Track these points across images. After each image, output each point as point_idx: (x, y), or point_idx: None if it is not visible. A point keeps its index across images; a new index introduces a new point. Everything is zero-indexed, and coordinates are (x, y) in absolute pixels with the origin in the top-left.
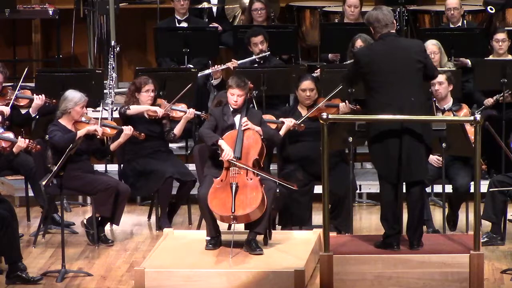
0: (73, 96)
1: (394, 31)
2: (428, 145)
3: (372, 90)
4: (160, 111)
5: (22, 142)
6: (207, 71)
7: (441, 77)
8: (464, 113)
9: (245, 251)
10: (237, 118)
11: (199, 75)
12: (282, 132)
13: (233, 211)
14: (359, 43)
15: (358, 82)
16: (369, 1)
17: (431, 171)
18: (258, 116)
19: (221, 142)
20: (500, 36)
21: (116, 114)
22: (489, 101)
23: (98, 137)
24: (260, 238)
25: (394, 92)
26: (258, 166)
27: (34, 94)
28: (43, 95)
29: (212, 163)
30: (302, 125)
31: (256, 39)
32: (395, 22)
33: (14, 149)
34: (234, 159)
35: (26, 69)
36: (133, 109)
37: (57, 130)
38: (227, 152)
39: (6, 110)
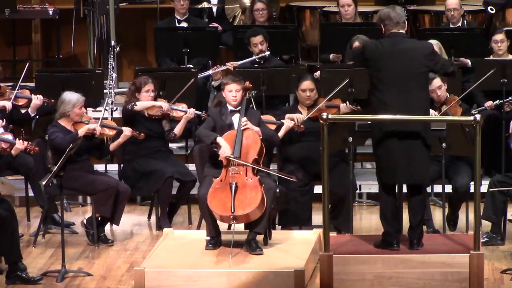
0: (70, 98)
1: (404, 31)
2: (427, 145)
3: (375, 87)
4: (165, 106)
5: (20, 144)
6: (207, 73)
7: (439, 81)
8: (451, 98)
9: (245, 251)
10: (235, 118)
11: (199, 76)
12: (282, 133)
13: (232, 211)
14: (356, 44)
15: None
16: (368, 1)
17: (431, 170)
18: (257, 116)
19: (219, 140)
20: (499, 37)
21: (116, 114)
22: (489, 104)
23: (96, 136)
24: (260, 238)
25: (395, 92)
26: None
27: (32, 94)
28: (40, 95)
29: (212, 163)
30: (302, 126)
31: (255, 39)
32: (406, 23)
33: (13, 151)
34: (232, 156)
35: (26, 66)
36: (140, 105)
37: (58, 132)
38: (225, 149)
39: (8, 105)
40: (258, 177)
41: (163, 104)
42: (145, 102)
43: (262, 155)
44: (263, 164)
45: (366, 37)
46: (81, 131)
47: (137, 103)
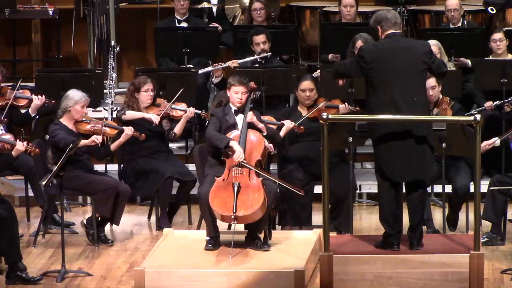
0: (74, 95)
1: (400, 31)
2: (431, 144)
3: (375, 88)
4: (156, 119)
5: (20, 146)
6: (208, 69)
7: (433, 81)
8: (441, 100)
9: (250, 248)
10: (239, 118)
11: (200, 72)
12: (282, 133)
13: (234, 211)
14: (359, 43)
15: (350, 75)
16: (368, 1)
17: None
18: (258, 116)
19: (232, 143)
20: (497, 36)
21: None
22: (489, 104)
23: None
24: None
25: (395, 91)
26: (260, 167)
27: (33, 95)
28: (43, 95)
29: (213, 163)
30: (302, 127)
31: (258, 38)
32: (401, 24)
33: (13, 152)
34: (244, 161)
35: (20, 80)
36: (129, 114)
37: (59, 130)
38: (239, 154)
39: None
40: (261, 178)
41: (153, 117)
42: (135, 112)
43: (265, 157)
44: (265, 165)
45: (368, 35)
46: (84, 142)
47: (126, 112)
